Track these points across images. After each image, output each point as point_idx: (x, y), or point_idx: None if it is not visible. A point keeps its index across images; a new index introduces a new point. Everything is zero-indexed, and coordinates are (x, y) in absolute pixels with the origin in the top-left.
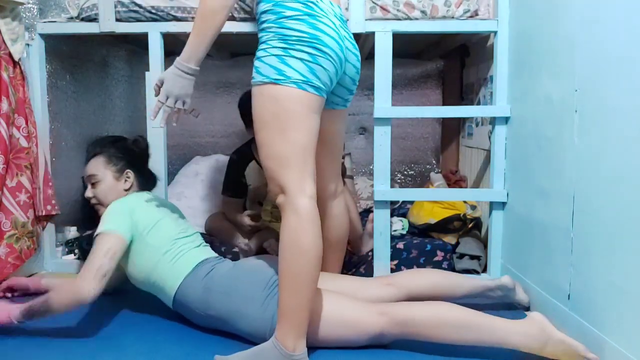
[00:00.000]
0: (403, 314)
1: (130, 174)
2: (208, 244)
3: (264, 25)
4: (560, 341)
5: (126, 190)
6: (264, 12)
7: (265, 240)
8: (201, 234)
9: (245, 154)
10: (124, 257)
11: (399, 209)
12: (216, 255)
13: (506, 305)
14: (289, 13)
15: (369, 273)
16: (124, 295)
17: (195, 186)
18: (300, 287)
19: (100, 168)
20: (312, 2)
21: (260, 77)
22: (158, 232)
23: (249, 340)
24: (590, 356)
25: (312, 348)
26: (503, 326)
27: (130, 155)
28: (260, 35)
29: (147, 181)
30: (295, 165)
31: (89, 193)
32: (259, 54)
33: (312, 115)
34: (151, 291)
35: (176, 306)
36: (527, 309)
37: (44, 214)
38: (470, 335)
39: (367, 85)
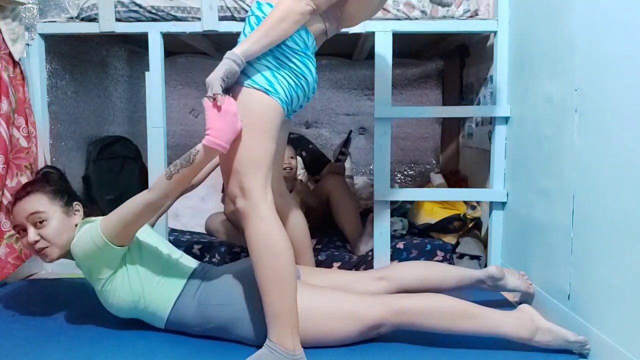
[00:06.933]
0: (401, 303)
1: (78, 206)
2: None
3: None
4: (548, 330)
5: (76, 225)
6: None
7: None
8: (201, 233)
9: None
10: (107, 291)
11: (399, 209)
12: (195, 262)
13: (500, 302)
14: (291, 44)
15: None
16: None
17: None
18: (286, 288)
19: (45, 204)
20: (309, 42)
21: (249, 81)
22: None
23: (248, 344)
24: (578, 339)
25: (311, 348)
26: (495, 316)
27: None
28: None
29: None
30: (263, 171)
31: (33, 236)
32: None
33: (279, 130)
34: (139, 317)
35: (170, 326)
36: (531, 295)
37: None
38: (465, 324)
39: (367, 85)
